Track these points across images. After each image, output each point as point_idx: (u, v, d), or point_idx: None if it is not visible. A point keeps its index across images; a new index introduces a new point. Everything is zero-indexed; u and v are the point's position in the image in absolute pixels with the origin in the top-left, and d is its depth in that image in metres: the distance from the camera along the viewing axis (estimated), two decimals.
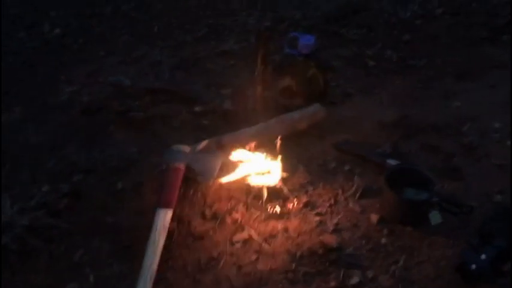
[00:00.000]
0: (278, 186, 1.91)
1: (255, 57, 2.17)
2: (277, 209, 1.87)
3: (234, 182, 1.94)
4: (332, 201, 1.90)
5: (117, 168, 2.09)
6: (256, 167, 1.92)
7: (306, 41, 2.28)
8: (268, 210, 1.86)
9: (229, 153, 1.96)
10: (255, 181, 1.91)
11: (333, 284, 1.58)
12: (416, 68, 2.77)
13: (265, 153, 1.98)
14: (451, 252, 1.67)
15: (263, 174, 1.93)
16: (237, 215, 1.85)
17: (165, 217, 1.75)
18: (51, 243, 1.76)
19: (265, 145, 2.08)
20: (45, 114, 2.47)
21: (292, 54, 2.33)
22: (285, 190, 1.92)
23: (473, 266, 1.50)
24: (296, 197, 1.91)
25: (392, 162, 1.95)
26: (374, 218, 1.81)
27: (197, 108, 2.45)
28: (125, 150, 2.19)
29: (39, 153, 2.19)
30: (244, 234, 1.77)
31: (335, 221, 1.81)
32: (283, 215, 1.84)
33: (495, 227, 1.60)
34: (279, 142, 2.00)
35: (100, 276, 1.65)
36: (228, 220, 1.83)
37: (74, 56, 2.99)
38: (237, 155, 1.96)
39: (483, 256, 1.51)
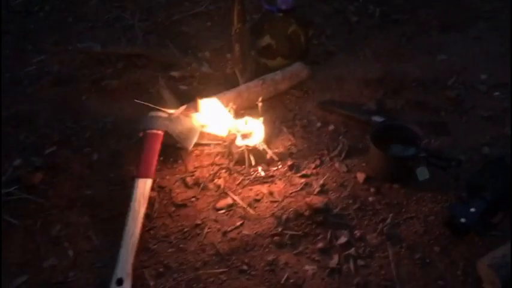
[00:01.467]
0: (261, 150, 1.85)
1: (231, 16, 2.06)
2: (261, 173, 1.81)
3: (215, 147, 1.88)
4: (317, 162, 1.85)
5: (92, 139, 1.99)
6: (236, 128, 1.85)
7: None
8: (252, 174, 1.81)
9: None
10: (237, 145, 1.84)
11: (320, 245, 1.55)
12: (400, 23, 2.67)
13: (246, 116, 1.90)
14: (439, 207, 1.64)
15: (245, 137, 1.85)
16: (219, 181, 1.79)
17: (144, 187, 1.69)
18: (27, 218, 1.68)
19: (247, 108, 2.01)
20: (14, 86, 2.34)
21: (270, 11, 2.21)
22: (269, 153, 1.86)
23: (463, 220, 1.47)
24: (280, 159, 1.86)
25: (377, 119, 1.90)
26: (360, 177, 1.77)
27: (174, 73, 2.34)
28: (100, 120, 2.09)
29: (9, 126, 2.08)
30: (227, 200, 1.71)
31: (321, 182, 1.77)
32: (268, 179, 1.79)
33: (484, 179, 1.57)
34: (260, 104, 1.92)
35: (79, 250, 1.59)
36: (211, 186, 1.78)
37: (40, 23, 2.82)
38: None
39: (472, 209, 1.48)
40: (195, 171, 1.84)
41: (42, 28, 2.77)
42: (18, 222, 1.67)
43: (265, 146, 1.85)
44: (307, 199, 1.69)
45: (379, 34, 2.59)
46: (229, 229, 1.62)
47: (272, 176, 1.80)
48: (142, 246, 1.57)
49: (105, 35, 2.65)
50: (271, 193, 1.73)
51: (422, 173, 1.68)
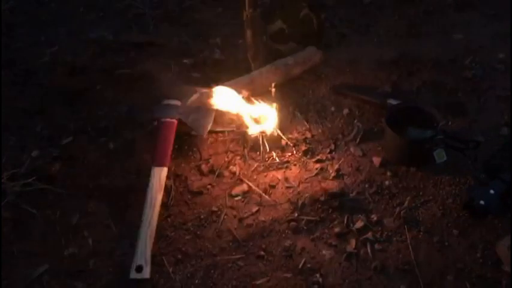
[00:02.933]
0: (276, 136, 1.84)
1: (242, 1, 2.03)
2: (276, 159, 1.81)
3: (229, 134, 1.87)
4: (332, 146, 1.84)
5: (107, 129, 2.00)
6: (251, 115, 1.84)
7: None
8: (267, 160, 1.81)
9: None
10: (251, 132, 1.84)
11: (337, 230, 1.55)
12: (414, 2, 2.62)
13: (260, 102, 1.89)
14: (458, 190, 1.63)
15: (259, 124, 1.85)
16: (234, 168, 1.79)
17: (160, 175, 1.70)
18: (46, 208, 1.71)
19: (259, 94, 2.00)
20: (28, 78, 2.36)
21: None
22: (283, 139, 1.85)
23: (482, 202, 1.45)
24: (295, 145, 1.85)
25: (393, 101, 1.87)
26: (376, 160, 1.75)
27: (186, 61, 2.34)
28: (114, 109, 2.09)
29: (26, 118, 2.10)
30: (243, 187, 1.72)
31: (336, 166, 1.76)
32: (283, 165, 1.79)
33: (502, 160, 1.55)
34: (273, 90, 1.90)
35: (99, 239, 1.61)
36: (226, 173, 1.78)
37: (52, 14, 2.83)
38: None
39: (492, 191, 1.46)
40: (210, 158, 1.84)
41: (54, 19, 2.78)
42: (38, 212, 1.70)
43: (279, 132, 1.84)
44: (323, 184, 1.68)
45: (393, 14, 2.55)
46: (245, 215, 1.63)
47: (287, 162, 1.79)
48: (160, 234, 1.59)
49: (116, 24, 2.65)
50: (286, 179, 1.73)
51: (440, 155, 1.66)
